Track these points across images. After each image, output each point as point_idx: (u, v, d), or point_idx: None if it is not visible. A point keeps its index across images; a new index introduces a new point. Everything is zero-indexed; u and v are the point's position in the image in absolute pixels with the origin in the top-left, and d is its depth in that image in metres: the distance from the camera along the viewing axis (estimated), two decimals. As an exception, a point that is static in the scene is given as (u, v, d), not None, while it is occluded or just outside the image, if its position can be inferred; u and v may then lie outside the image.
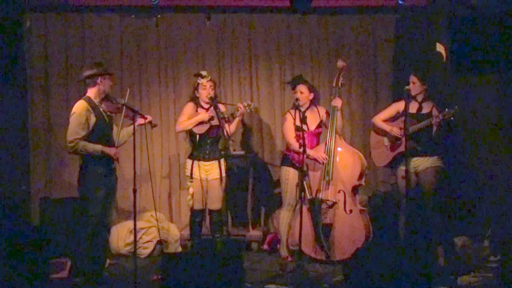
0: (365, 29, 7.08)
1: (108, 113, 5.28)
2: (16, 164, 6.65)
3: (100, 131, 5.18)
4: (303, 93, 6.02)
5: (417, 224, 5.87)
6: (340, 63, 6.07)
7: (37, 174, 6.85)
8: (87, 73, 5.23)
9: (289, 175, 6.05)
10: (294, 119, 6.00)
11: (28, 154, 6.83)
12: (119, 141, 5.32)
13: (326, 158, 5.94)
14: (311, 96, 6.09)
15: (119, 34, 6.96)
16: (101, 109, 5.23)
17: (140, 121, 5.41)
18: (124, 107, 5.22)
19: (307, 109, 6.02)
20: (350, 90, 7.12)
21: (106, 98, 5.27)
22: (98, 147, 5.11)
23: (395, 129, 5.85)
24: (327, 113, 6.11)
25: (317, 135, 6.12)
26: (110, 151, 5.17)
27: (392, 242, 6.04)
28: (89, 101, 5.19)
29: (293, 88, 6.12)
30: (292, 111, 6.07)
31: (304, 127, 5.80)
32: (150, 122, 5.49)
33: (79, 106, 5.14)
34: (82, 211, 5.19)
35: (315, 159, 5.92)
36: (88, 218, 5.14)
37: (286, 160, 6.11)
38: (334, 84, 6.08)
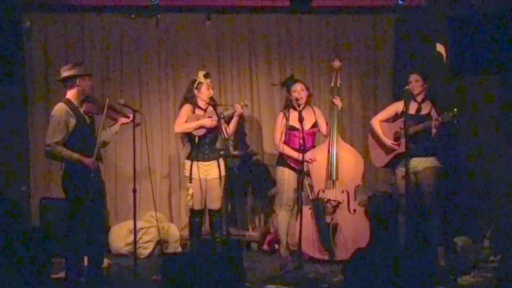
0: (365, 29, 7.09)
1: (90, 114, 5.16)
2: (16, 164, 6.66)
3: (81, 134, 5.06)
4: (303, 91, 6.01)
5: (417, 224, 5.87)
6: (336, 63, 6.06)
7: (37, 174, 6.85)
8: (65, 74, 5.12)
9: (285, 175, 6.03)
10: (287, 120, 5.99)
11: (28, 154, 6.84)
12: (100, 143, 5.12)
13: (312, 160, 5.93)
14: (307, 94, 6.08)
15: (119, 34, 6.96)
16: (82, 111, 5.11)
17: (123, 120, 5.31)
18: (106, 107, 5.08)
19: (303, 108, 5.99)
20: (350, 90, 7.12)
21: (87, 99, 5.14)
22: (75, 156, 4.97)
23: (389, 142, 5.87)
24: (325, 118, 6.11)
25: (312, 135, 6.11)
26: (88, 161, 4.98)
27: (392, 242, 6.04)
28: (68, 103, 5.07)
29: (288, 89, 6.09)
30: (286, 112, 6.05)
31: (299, 126, 5.80)
32: (133, 121, 5.32)
33: (58, 109, 5.03)
34: (70, 213, 5.11)
35: (306, 161, 5.86)
36: (74, 221, 5.06)
37: (282, 160, 6.09)
38: (332, 84, 6.08)
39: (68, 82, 5.13)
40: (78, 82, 5.11)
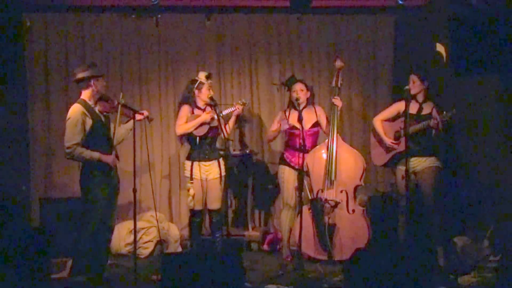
0: (365, 29, 7.09)
1: (105, 113, 5.28)
2: (16, 164, 6.65)
3: (97, 133, 5.18)
4: (302, 91, 6.02)
5: (417, 224, 5.87)
6: (338, 63, 6.07)
7: (37, 174, 6.86)
8: (80, 75, 5.21)
9: (285, 174, 6.06)
10: (288, 119, 6.00)
11: (28, 154, 6.84)
12: (117, 140, 5.33)
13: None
14: (308, 94, 6.10)
15: (119, 34, 6.96)
16: (97, 110, 5.22)
17: (137, 117, 5.40)
18: (120, 105, 5.23)
19: (304, 108, 6.00)
20: (350, 90, 7.13)
21: (101, 98, 5.27)
22: (96, 155, 5.10)
23: (389, 141, 5.87)
24: (326, 116, 6.12)
25: (313, 135, 6.11)
26: (108, 159, 5.16)
27: (392, 242, 6.04)
28: (84, 103, 5.17)
29: (289, 89, 6.11)
30: (287, 111, 6.06)
31: (299, 126, 5.81)
32: (147, 117, 5.51)
33: (74, 110, 5.13)
34: (84, 212, 5.18)
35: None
36: (90, 218, 5.14)
37: (282, 159, 6.13)
38: (333, 84, 6.09)
39: (83, 83, 5.23)
40: (93, 83, 5.21)
